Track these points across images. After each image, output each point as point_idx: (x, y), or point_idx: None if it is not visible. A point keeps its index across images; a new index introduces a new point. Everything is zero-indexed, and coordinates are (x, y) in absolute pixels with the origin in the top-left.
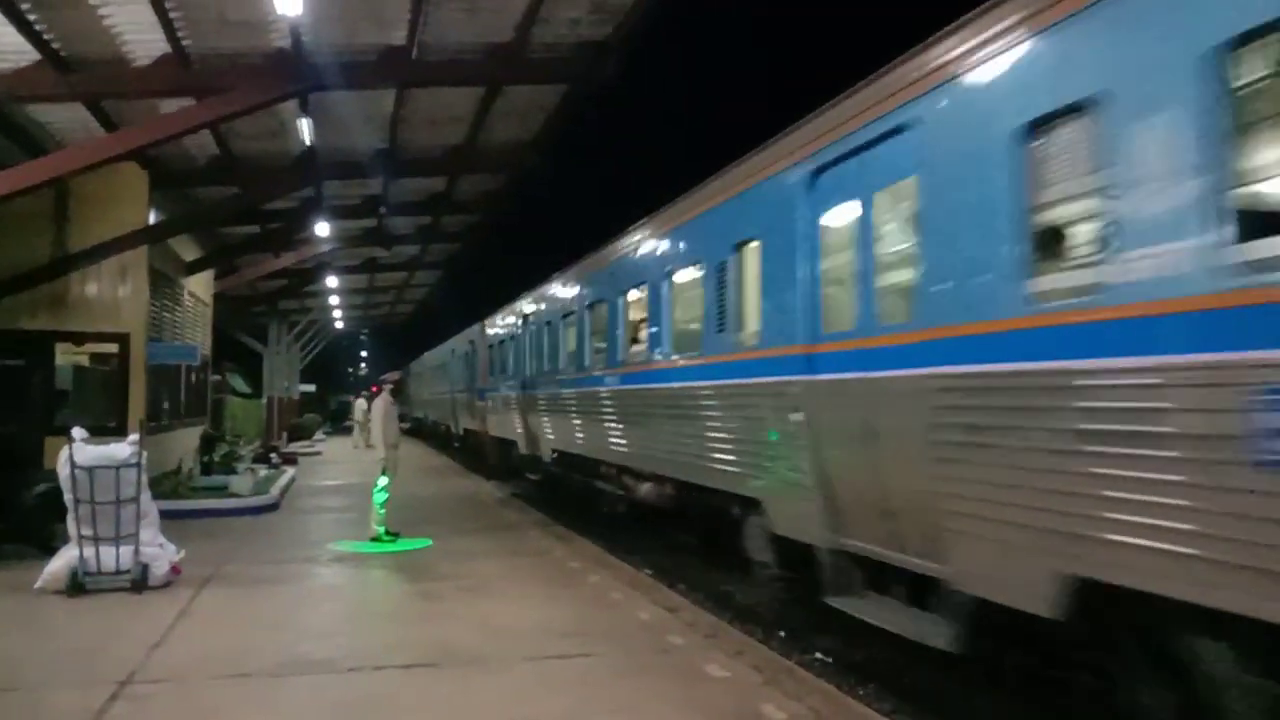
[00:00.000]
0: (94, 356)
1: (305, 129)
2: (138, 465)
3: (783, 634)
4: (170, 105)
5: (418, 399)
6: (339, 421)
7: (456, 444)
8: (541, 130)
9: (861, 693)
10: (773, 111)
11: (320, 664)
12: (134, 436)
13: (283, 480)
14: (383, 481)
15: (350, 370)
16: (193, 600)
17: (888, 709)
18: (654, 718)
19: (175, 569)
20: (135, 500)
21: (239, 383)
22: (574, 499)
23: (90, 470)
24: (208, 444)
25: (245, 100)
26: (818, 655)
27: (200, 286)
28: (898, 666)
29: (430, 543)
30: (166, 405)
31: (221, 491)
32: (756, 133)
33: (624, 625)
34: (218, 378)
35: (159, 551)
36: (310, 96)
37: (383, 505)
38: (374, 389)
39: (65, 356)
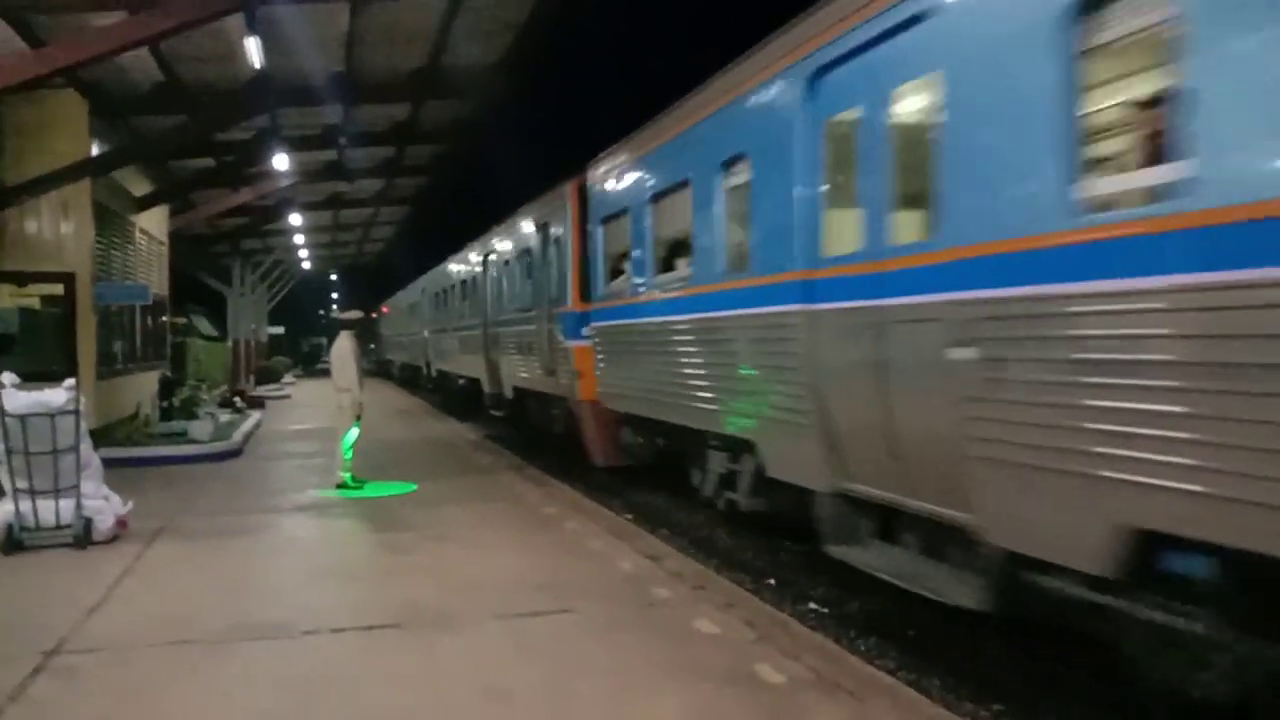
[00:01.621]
0: (44, 299)
1: (254, 51)
2: (75, 412)
3: (773, 582)
4: (104, 21)
5: (391, 342)
6: (310, 364)
7: (429, 386)
8: (509, 51)
9: (863, 648)
10: (772, 13)
11: (273, 627)
12: (70, 381)
13: (246, 425)
14: (354, 430)
15: (321, 313)
16: (139, 557)
17: (891, 665)
18: (640, 684)
19: (122, 523)
20: (74, 450)
21: (204, 325)
22: (550, 443)
23: (23, 419)
24: (166, 388)
25: (182, 14)
26: (812, 606)
27: (153, 224)
28: (897, 617)
29: (399, 489)
30: (121, 349)
31: (181, 438)
32: (752, 38)
33: (604, 576)
34: (182, 320)
35: (103, 504)
36: (258, 13)
37: (350, 450)
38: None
39: (12, 299)
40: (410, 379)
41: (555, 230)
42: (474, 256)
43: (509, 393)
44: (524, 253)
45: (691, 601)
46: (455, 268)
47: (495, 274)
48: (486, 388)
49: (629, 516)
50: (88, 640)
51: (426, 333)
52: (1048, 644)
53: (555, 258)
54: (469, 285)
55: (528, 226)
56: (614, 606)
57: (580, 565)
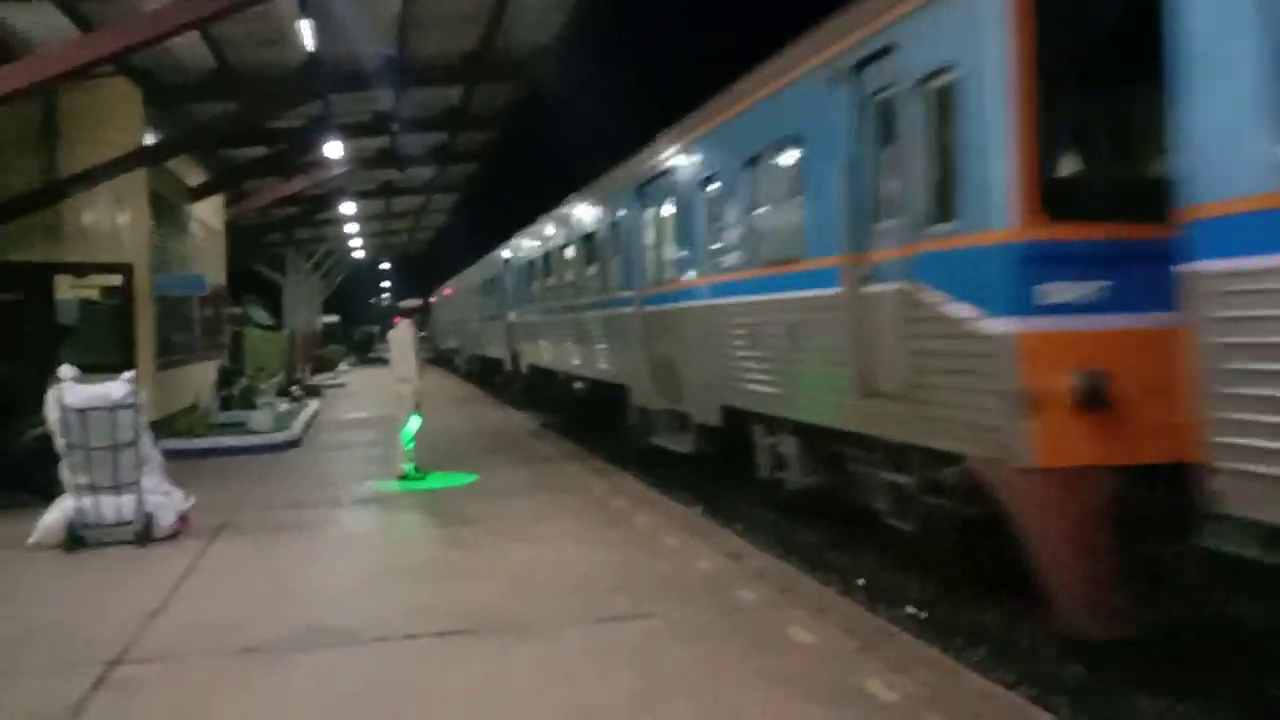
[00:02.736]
0: (104, 290)
1: (306, 33)
2: (134, 406)
3: (863, 583)
4: (155, 4)
5: (452, 329)
6: (364, 352)
7: (518, 385)
8: (562, 31)
9: (975, 659)
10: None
11: (340, 633)
12: (129, 374)
13: (305, 414)
14: (415, 420)
15: (373, 301)
16: (201, 555)
17: (1011, 679)
18: (740, 701)
19: (183, 518)
20: (134, 444)
21: (260, 315)
22: (609, 431)
23: (82, 413)
24: (225, 378)
25: None
26: (910, 611)
27: (209, 213)
28: (998, 625)
29: (461, 479)
30: (179, 340)
31: (240, 428)
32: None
33: (682, 576)
34: (237, 310)
35: (164, 500)
36: None
37: (411, 441)
38: (395, 320)
39: (73, 291)
40: (479, 374)
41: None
42: (620, 190)
43: (715, 420)
44: (818, 137)
45: (780, 605)
46: (579, 213)
47: (686, 205)
48: (647, 402)
49: (700, 509)
50: (149, 649)
51: (512, 316)
52: (1186, 668)
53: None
54: (610, 237)
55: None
56: (697, 611)
57: (656, 564)
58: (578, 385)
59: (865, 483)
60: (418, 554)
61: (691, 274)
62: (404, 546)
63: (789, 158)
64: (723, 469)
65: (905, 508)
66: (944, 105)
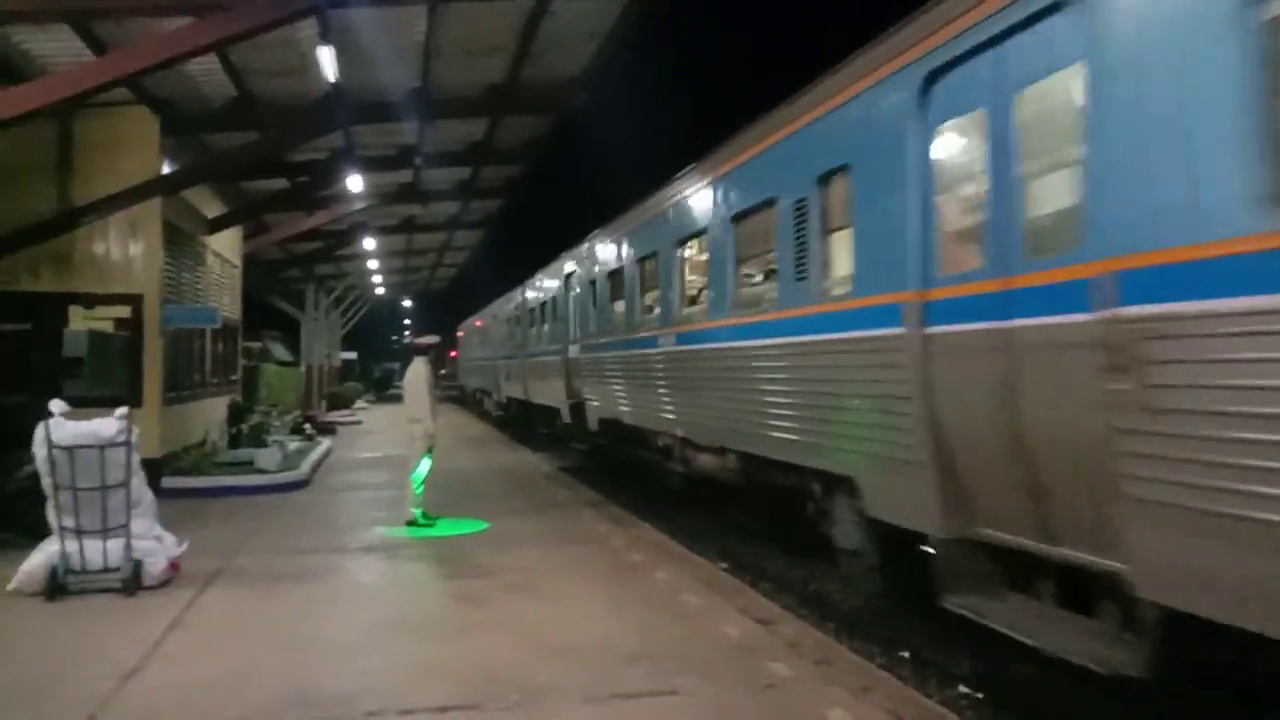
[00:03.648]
0: (116, 322)
1: (328, 62)
2: (127, 444)
3: (907, 655)
4: (171, 27)
5: (484, 368)
6: (382, 389)
7: (572, 440)
8: (592, 61)
9: None
10: (871, 25)
11: (333, 701)
12: (122, 411)
13: (316, 454)
14: (425, 463)
15: (394, 338)
16: (190, 605)
17: None
18: None
19: (174, 565)
20: (125, 485)
21: (279, 350)
22: (629, 476)
23: (70, 450)
24: (236, 415)
25: (252, 18)
26: (963, 690)
27: (226, 246)
28: (1057, 699)
29: (471, 526)
30: (190, 374)
31: (247, 467)
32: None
33: (708, 644)
34: (258, 345)
35: (155, 545)
36: (332, 24)
37: (421, 485)
38: (412, 356)
39: (83, 321)
40: (516, 422)
41: None
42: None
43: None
44: None
45: (818, 681)
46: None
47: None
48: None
49: (724, 566)
50: (120, 713)
51: (575, 350)
52: None
53: None
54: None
55: None
56: (726, 687)
57: (678, 629)
58: (707, 458)
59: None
60: (423, 608)
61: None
62: (409, 600)
63: None
64: (749, 521)
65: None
66: None
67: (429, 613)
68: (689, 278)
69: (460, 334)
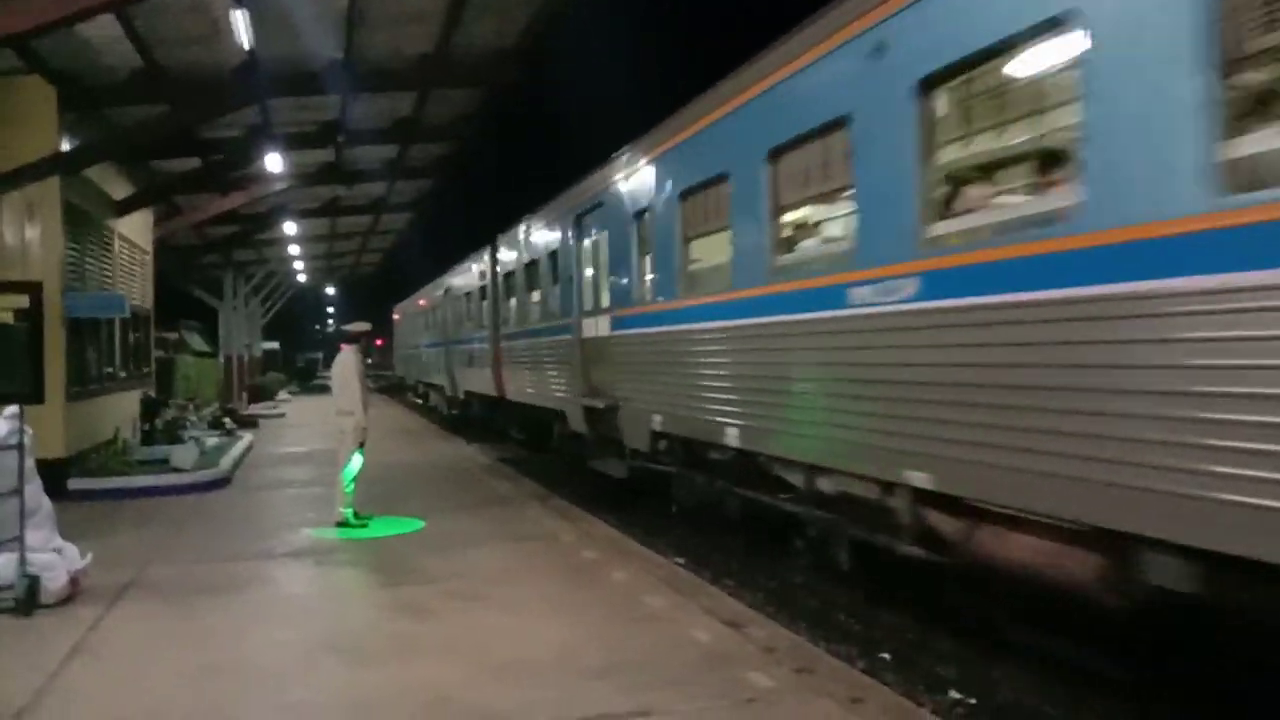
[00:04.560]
0: (17, 313)
1: (242, 28)
2: (19, 446)
3: (888, 658)
4: None
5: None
6: (305, 380)
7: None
8: (524, 33)
9: None
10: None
11: None
12: (11, 410)
13: (236, 449)
14: (357, 459)
15: (318, 327)
16: (94, 626)
17: None
18: None
19: (76, 581)
20: (17, 493)
21: (197, 341)
22: (570, 466)
23: None
24: (149, 409)
25: None
26: (955, 696)
27: (135, 230)
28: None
29: (408, 525)
30: (97, 367)
31: (162, 465)
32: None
33: (678, 653)
34: (174, 335)
35: (54, 558)
36: None
37: (352, 483)
38: (340, 345)
39: None
40: (476, 422)
41: None
42: None
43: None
44: None
45: (803, 693)
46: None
47: None
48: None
49: (681, 561)
50: None
51: (598, 327)
52: None
53: None
54: None
55: None
56: (705, 703)
57: (644, 635)
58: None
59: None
60: (361, 623)
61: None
62: (343, 614)
63: None
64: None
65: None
66: None
67: (366, 628)
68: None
69: (396, 317)
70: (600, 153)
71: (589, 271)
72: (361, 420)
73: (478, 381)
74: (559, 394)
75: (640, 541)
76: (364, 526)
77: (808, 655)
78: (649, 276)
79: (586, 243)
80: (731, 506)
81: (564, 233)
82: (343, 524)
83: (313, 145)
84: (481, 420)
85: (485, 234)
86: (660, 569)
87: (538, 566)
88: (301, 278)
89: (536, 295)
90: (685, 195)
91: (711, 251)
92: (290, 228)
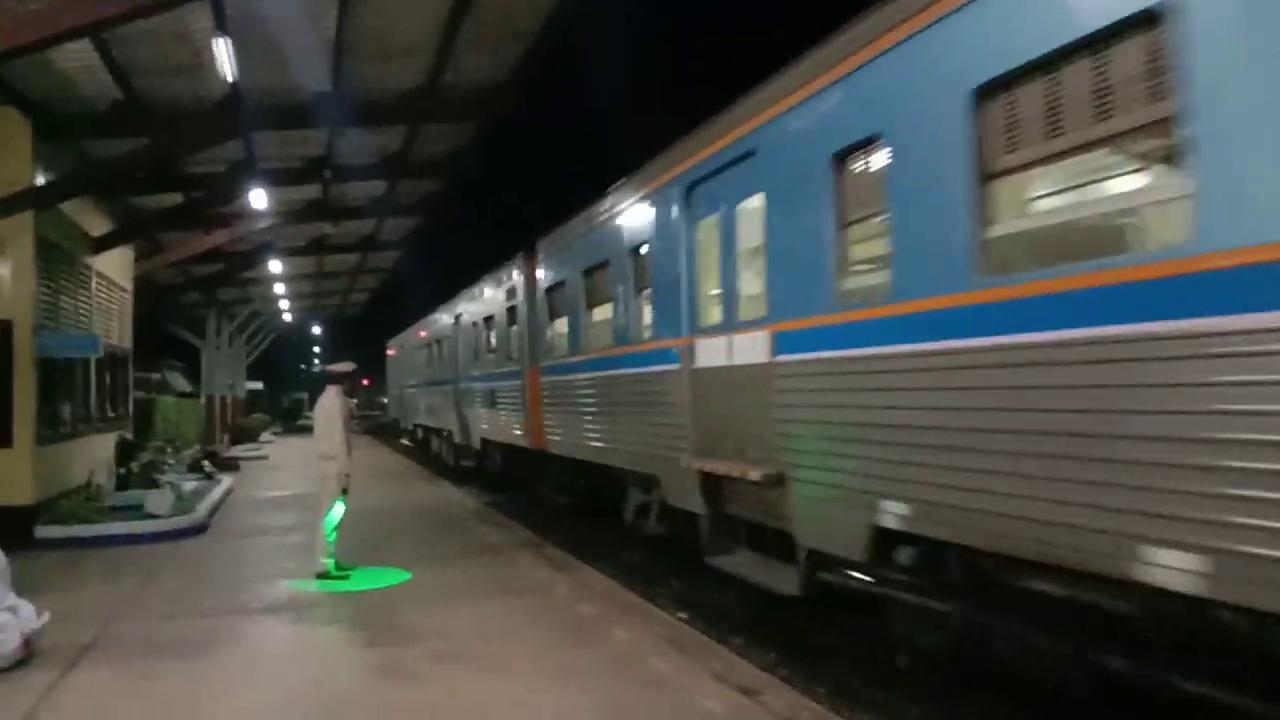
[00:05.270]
0: None
1: (225, 58)
2: None
3: None
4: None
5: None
6: (290, 421)
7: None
8: (519, 65)
9: None
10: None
11: None
12: None
13: (215, 494)
14: (339, 507)
15: (303, 367)
16: (48, 694)
17: None
18: None
19: (28, 643)
20: None
21: (179, 381)
22: (560, 512)
23: None
24: (125, 453)
25: None
26: None
27: (114, 268)
28: None
29: (393, 577)
30: (70, 409)
31: (136, 512)
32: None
33: None
34: (156, 376)
35: (7, 618)
36: (229, 12)
37: (333, 532)
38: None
39: None
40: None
41: None
42: None
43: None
44: None
45: None
46: None
47: None
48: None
49: (684, 617)
50: None
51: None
52: None
53: None
54: None
55: None
56: None
57: (649, 705)
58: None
59: None
60: (339, 689)
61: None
62: (322, 678)
63: None
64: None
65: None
66: None
67: (345, 695)
68: None
69: (390, 352)
70: (606, 178)
71: (716, 267)
72: (344, 465)
73: (502, 427)
74: (644, 450)
75: (640, 594)
76: (345, 578)
77: None
78: (896, 252)
79: (708, 222)
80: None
81: (664, 214)
82: (323, 575)
83: (299, 181)
84: (506, 478)
85: (503, 248)
86: (663, 626)
87: (531, 624)
88: (287, 317)
89: (603, 312)
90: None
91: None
92: (275, 266)
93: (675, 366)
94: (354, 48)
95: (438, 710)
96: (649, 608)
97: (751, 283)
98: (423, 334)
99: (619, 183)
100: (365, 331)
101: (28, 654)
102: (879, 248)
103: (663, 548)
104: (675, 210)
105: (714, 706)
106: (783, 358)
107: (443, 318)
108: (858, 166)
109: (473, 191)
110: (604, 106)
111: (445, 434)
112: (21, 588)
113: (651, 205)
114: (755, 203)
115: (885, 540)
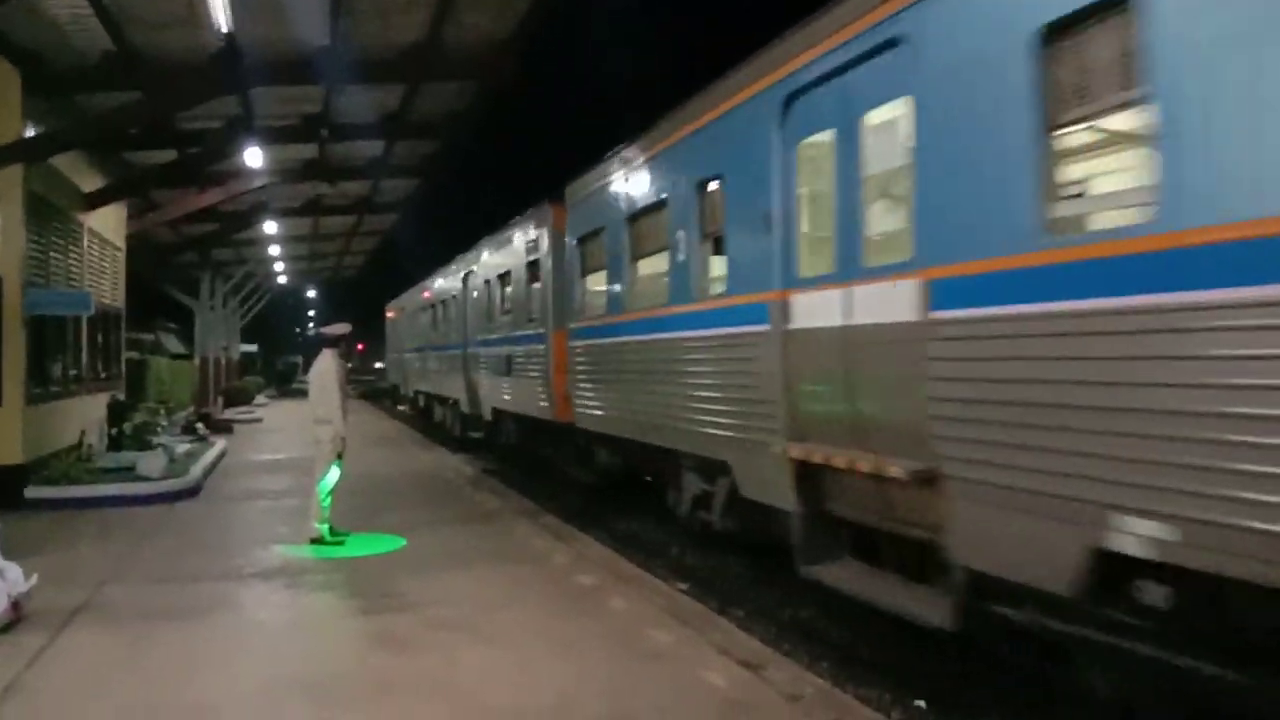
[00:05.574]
0: None
1: (220, 8)
2: None
3: (923, 705)
4: None
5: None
6: (284, 384)
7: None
8: (521, 23)
9: None
10: None
11: None
12: None
13: (208, 456)
14: (334, 471)
15: (297, 330)
16: (36, 659)
17: None
18: None
19: (16, 606)
20: None
21: (173, 343)
22: (554, 476)
23: None
24: (117, 414)
25: None
26: None
27: (107, 225)
28: None
29: (387, 544)
30: (61, 368)
31: (128, 473)
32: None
33: (692, 701)
34: (150, 337)
35: None
36: None
37: (328, 496)
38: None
39: None
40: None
41: None
42: None
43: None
44: None
45: None
46: None
47: None
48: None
49: (684, 587)
50: None
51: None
52: None
53: None
54: None
55: None
56: None
57: (651, 678)
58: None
59: None
60: (332, 658)
61: None
62: (315, 646)
63: None
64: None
65: None
66: None
67: (339, 664)
68: None
69: (390, 314)
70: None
71: (827, 200)
72: (340, 429)
73: (518, 397)
74: (710, 430)
75: (639, 564)
76: (340, 544)
77: (838, 705)
78: (1175, 150)
79: (815, 143)
80: None
81: (748, 137)
82: (317, 541)
83: (295, 140)
84: (520, 451)
85: (517, 201)
86: (662, 596)
87: (529, 593)
88: (282, 279)
89: (655, 264)
90: None
91: None
92: (270, 227)
93: (762, 328)
94: (353, 5)
95: (435, 682)
96: (647, 577)
97: (887, 217)
98: (427, 294)
99: (679, 108)
100: (361, 295)
101: (16, 617)
102: (1127, 156)
103: (664, 520)
104: (766, 130)
105: (716, 680)
106: (944, 313)
107: (450, 277)
108: (1083, 40)
109: (486, 140)
110: (609, 67)
111: (451, 402)
112: (11, 549)
113: (728, 128)
114: (896, 109)
115: (1108, 569)
